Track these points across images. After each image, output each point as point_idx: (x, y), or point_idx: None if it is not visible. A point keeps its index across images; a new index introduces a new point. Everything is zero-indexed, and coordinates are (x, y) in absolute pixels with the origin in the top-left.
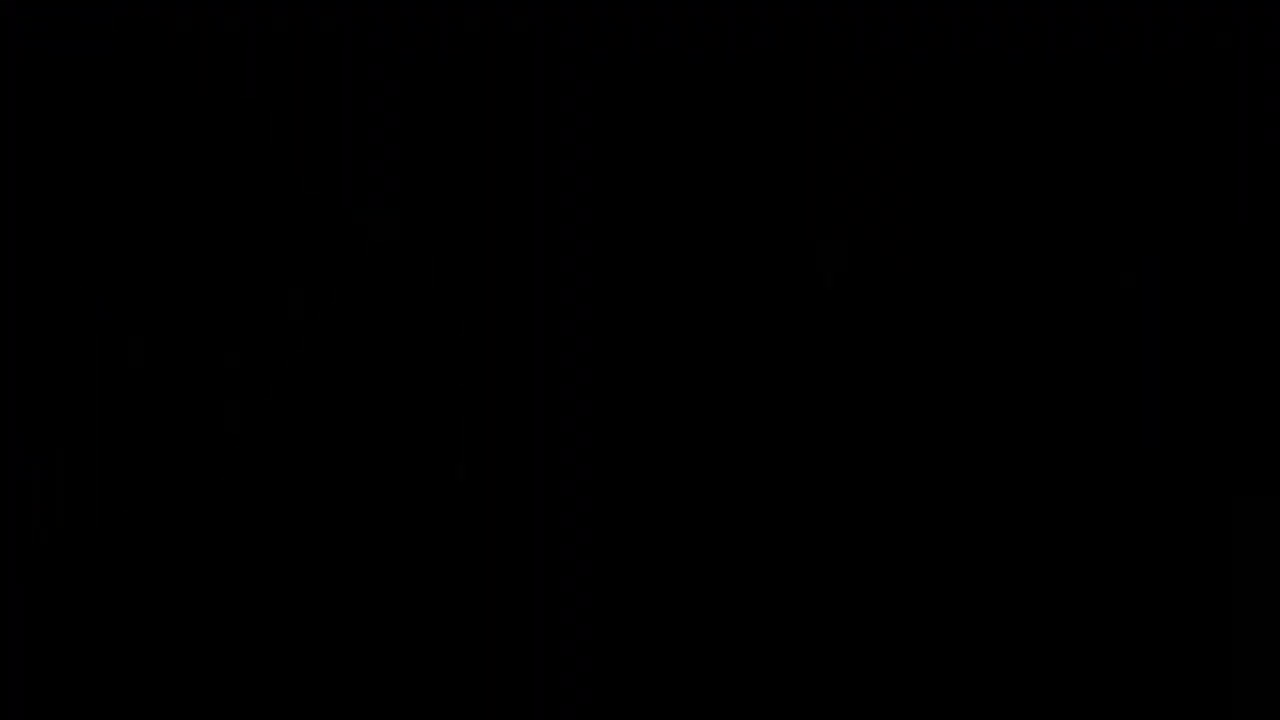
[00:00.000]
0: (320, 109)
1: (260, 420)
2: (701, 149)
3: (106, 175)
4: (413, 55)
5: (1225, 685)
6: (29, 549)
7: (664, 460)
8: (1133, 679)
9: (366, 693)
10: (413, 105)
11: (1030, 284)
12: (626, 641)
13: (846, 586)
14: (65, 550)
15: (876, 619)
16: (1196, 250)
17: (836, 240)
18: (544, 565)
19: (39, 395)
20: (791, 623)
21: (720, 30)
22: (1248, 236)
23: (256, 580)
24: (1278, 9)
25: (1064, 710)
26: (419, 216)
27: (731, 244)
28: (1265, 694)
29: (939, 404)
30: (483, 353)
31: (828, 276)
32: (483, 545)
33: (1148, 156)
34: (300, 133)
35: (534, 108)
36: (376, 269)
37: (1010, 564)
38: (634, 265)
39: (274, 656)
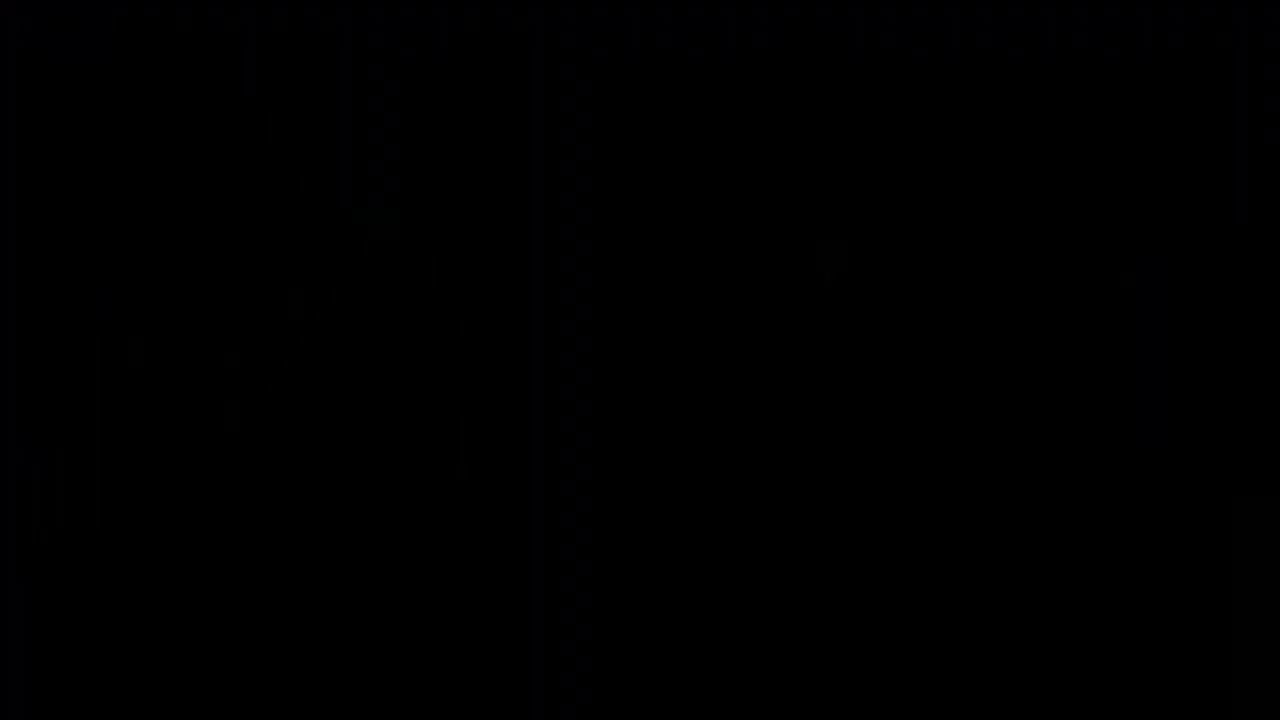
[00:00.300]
0: (320, 109)
1: (260, 420)
2: (701, 149)
3: (106, 175)
4: (413, 55)
5: (1225, 685)
6: (29, 549)
7: (664, 461)
8: (1133, 679)
9: (367, 693)
10: (413, 105)
11: (1030, 284)
12: (626, 641)
13: (847, 586)
14: (65, 550)
15: (877, 619)
16: (1196, 250)
17: (836, 240)
18: (544, 565)
19: (39, 395)
20: (792, 622)
21: (720, 30)
22: (1248, 236)
23: (257, 580)
24: (1278, 9)
25: (1064, 710)
26: (419, 216)
27: (732, 244)
28: (1265, 694)
29: (939, 404)
30: (483, 353)
31: (828, 276)
32: (483, 545)
33: (1148, 156)
34: (300, 133)
35: (534, 108)
36: (376, 269)
37: (1010, 564)
38: (634, 265)
39: (274, 656)
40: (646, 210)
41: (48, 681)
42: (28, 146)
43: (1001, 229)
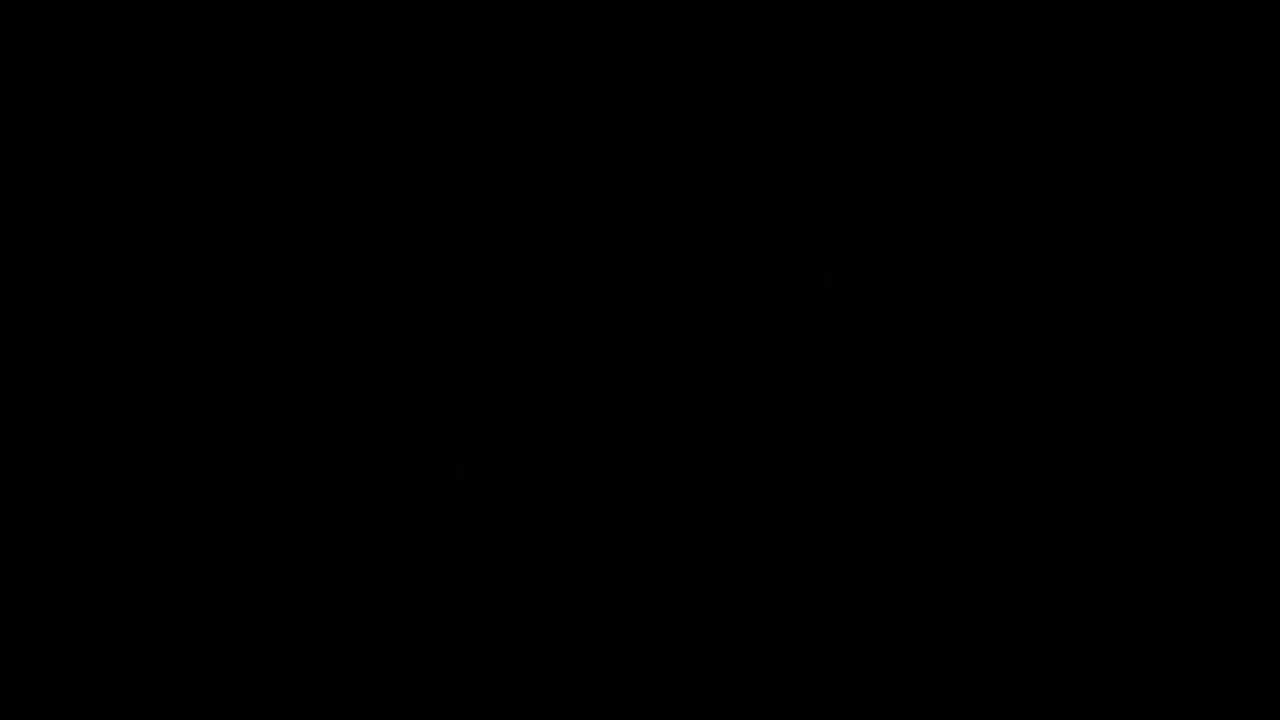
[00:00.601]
0: (320, 109)
1: (260, 420)
2: (701, 149)
3: (106, 175)
4: (413, 55)
5: (1225, 685)
6: (29, 549)
7: (664, 460)
8: (1133, 679)
9: (367, 693)
10: (413, 105)
11: (1030, 284)
12: (626, 641)
13: (847, 586)
14: (65, 550)
15: (877, 619)
16: (1196, 250)
17: (836, 240)
18: (544, 565)
19: (39, 395)
20: (791, 622)
21: (720, 30)
22: (1248, 236)
23: (257, 580)
24: (1278, 9)
25: (1064, 710)
26: (419, 216)
27: (732, 244)
28: (1265, 694)
29: (939, 404)
30: (483, 353)
31: (828, 276)
32: (483, 545)
33: (1148, 156)
34: (300, 133)
35: (534, 108)
36: (376, 269)
37: (1010, 564)
38: (634, 265)
39: (274, 656)
40: (646, 210)
41: (48, 681)
42: (28, 146)
43: (1001, 229)
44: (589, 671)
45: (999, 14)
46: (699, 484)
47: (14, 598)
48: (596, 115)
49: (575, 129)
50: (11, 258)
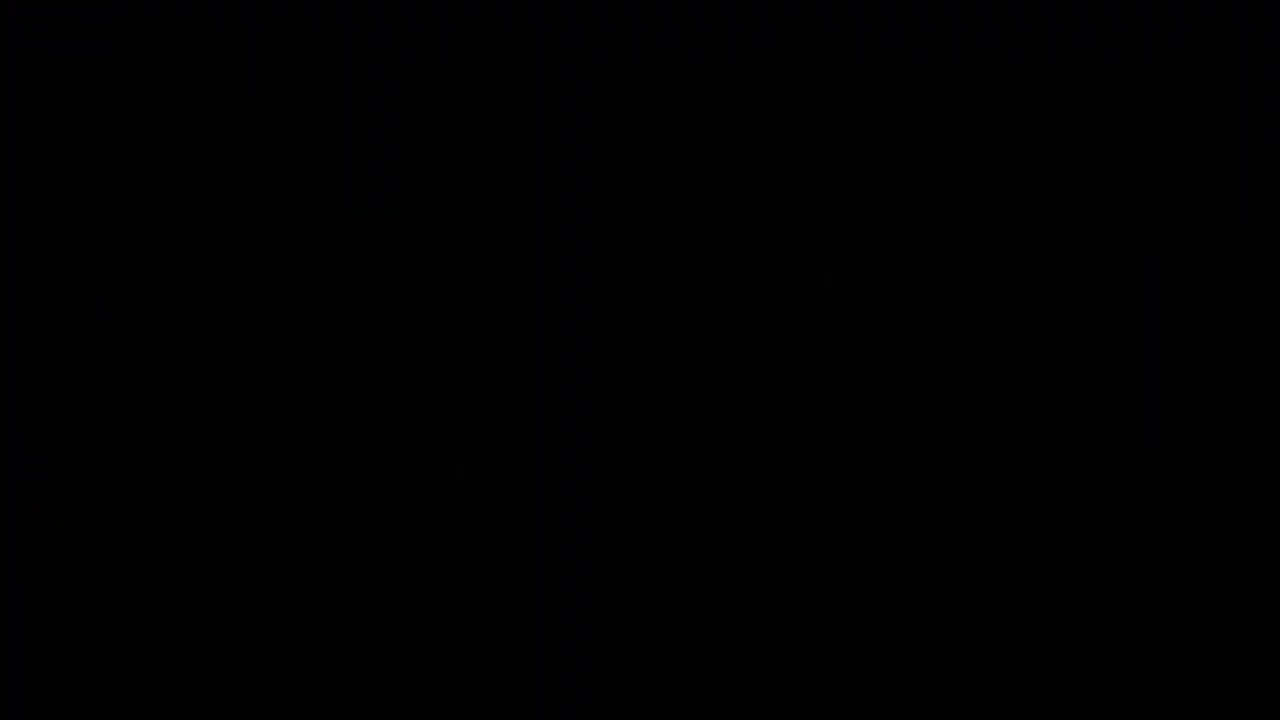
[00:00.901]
0: (320, 109)
1: (260, 420)
2: (701, 149)
3: (106, 175)
4: (413, 55)
5: (1225, 685)
6: (29, 549)
7: (664, 460)
8: (1133, 679)
9: (367, 693)
10: (413, 105)
11: (1030, 284)
12: (626, 641)
13: (847, 586)
14: (65, 550)
15: (877, 619)
16: (1196, 250)
17: (836, 240)
18: (544, 565)
19: (39, 395)
20: (791, 622)
21: (720, 30)
22: (1248, 236)
23: (257, 580)
24: (1278, 9)
25: (1064, 710)
26: (419, 216)
27: (731, 244)
28: (1265, 694)
29: (939, 404)
30: (483, 353)
31: (828, 276)
32: (483, 545)
33: (1148, 156)
34: (300, 133)
35: (534, 108)
36: (376, 269)
37: (1010, 564)
38: (634, 265)
39: (274, 656)
40: (646, 210)
41: (48, 681)
42: (28, 146)
43: (1001, 229)
44: (589, 671)
45: (999, 14)
46: (699, 484)
47: (14, 598)
48: (596, 115)
49: (575, 129)
50: (11, 258)
